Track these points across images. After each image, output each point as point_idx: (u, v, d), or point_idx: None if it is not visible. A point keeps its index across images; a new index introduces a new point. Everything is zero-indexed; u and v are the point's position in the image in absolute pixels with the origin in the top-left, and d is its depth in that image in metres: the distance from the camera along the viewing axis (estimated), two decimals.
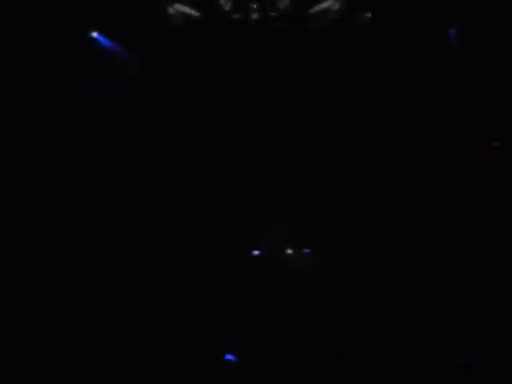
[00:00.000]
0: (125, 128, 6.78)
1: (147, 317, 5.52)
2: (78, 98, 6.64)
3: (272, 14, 6.55)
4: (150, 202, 6.78)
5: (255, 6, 6.49)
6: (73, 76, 6.61)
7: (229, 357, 4.73)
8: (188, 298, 5.82)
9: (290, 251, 6.63)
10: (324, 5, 6.53)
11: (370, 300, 5.61)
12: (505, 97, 6.68)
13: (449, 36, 6.65)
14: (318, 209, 6.80)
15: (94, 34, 6.67)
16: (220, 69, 6.96)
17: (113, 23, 6.63)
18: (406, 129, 6.86)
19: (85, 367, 4.41)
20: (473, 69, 6.71)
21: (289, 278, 6.17)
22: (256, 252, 6.63)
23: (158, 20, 6.60)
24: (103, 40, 6.73)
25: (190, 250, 6.54)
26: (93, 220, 6.46)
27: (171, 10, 6.50)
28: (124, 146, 6.75)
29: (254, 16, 6.53)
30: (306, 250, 6.63)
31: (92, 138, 6.61)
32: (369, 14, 6.62)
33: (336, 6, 6.51)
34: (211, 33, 6.72)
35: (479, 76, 6.69)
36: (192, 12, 6.56)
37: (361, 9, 6.64)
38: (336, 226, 6.69)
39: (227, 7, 6.46)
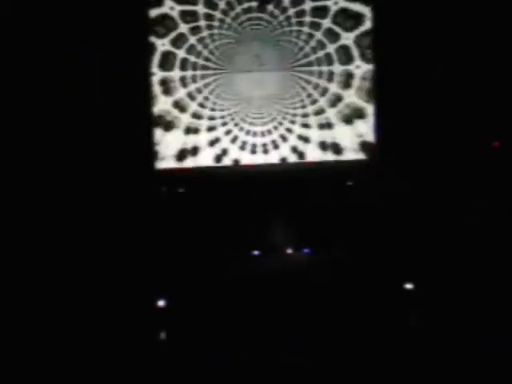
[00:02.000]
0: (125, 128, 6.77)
1: (147, 316, 5.53)
2: (78, 98, 6.63)
3: None
4: (149, 202, 6.79)
5: None
6: (73, 76, 6.62)
7: None
8: (187, 298, 5.83)
9: (290, 251, 6.64)
10: None
11: (371, 300, 5.62)
12: (505, 97, 6.69)
13: None
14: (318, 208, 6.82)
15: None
16: None
17: (112, 23, 6.64)
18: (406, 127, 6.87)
19: (85, 367, 4.42)
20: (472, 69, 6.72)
21: (289, 277, 6.17)
22: (256, 252, 6.63)
23: None
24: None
25: (189, 248, 6.55)
26: (93, 220, 6.46)
27: None
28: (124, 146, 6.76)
29: None
30: (306, 250, 6.64)
31: (92, 138, 6.62)
32: None
33: None
34: None
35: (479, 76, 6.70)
36: None
37: None
38: (335, 226, 6.71)
39: None
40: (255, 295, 5.84)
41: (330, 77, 7.16)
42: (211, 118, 7.15)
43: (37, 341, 4.88)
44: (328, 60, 7.14)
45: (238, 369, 4.32)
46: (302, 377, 4.14)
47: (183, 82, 7.11)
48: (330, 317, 5.36)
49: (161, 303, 5.59)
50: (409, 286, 5.76)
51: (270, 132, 7.20)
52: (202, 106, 7.13)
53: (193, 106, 7.13)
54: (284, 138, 7.19)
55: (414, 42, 6.74)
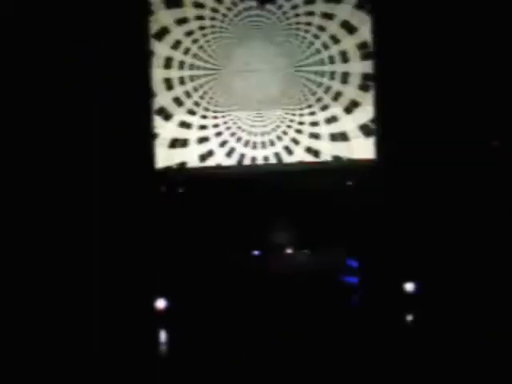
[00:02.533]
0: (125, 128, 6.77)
1: (147, 316, 5.54)
2: (78, 98, 6.64)
3: None
4: (149, 201, 6.80)
5: None
6: (72, 76, 6.63)
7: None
8: (187, 299, 5.84)
9: (289, 251, 6.65)
10: None
11: (370, 299, 5.64)
12: (505, 97, 6.70)
13: None
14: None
15: None
16: None
17: (112, 23, 6.65)
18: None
19: (84, 368, 4.43)
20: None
21: (289, 277, 6.18)
22: (256, 252, 6.63)
23: None
24: None
25: (189, 249, 6.56)
26: (93, 221, 6.48)
27: None
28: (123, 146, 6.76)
29: None
30: (306, 251, 6.64)
31: (92, 138, 6.63)
32: None
33: None
34: None
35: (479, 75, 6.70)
36: None
37: None
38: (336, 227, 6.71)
39: None
40: (255, 295, 5.85)
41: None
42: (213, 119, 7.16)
43: (37, 340, 4.89)
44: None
45: (238, 369, 4.32)
46: (302, 377, 4.14)
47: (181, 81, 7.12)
48: (330, 316, 5.37)
49: (161, 303, 5.60)
50: (409, 286, 5.76)
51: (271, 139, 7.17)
52: (205, 108, 7.13)
53: (195, 107, 7.13)
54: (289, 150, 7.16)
55: (414, 41, 6.75)
